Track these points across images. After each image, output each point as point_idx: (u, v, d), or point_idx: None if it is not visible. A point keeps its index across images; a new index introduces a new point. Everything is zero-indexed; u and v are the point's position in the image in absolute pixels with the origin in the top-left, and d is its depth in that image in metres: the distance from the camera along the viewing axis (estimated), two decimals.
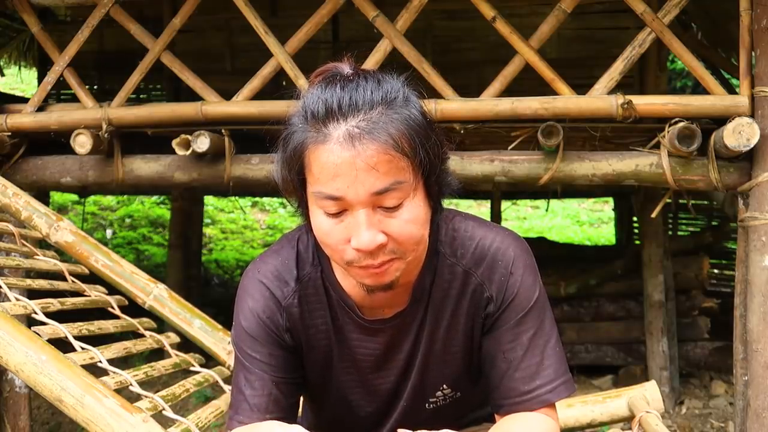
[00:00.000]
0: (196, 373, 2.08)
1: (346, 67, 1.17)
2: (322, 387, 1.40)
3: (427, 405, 1.39)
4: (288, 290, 1.30)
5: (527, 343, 1.27)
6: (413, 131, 1.10)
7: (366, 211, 1.09)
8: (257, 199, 11.65)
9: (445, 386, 1.37)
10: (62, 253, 2.46)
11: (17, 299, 1.86)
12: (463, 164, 3.07)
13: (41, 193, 5.04)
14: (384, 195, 1.08)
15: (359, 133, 1.06)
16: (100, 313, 2.21)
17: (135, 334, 2.21)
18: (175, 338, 2.26)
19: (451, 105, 2.99)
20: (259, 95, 3.20)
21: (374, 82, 1.12)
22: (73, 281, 2.26)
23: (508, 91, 3.04)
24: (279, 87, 5.53)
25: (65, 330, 1.80)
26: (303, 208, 1.20)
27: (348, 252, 1.12)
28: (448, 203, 1.27)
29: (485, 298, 1.28)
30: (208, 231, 10.59)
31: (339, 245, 1.13)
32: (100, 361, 1.78)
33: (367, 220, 1.09)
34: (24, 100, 4.41)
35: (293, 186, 1.17)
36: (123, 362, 1.89)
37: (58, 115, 3.33)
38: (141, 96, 6.69)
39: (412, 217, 1.12)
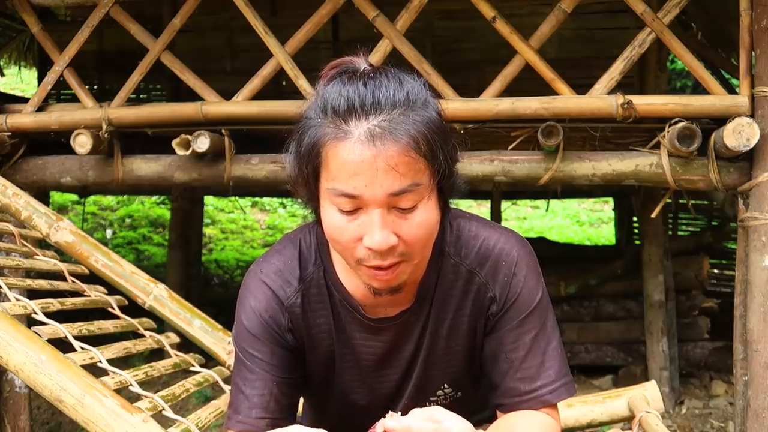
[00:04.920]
0: (196, 373, 2.08)
1: (362, 63, 1.16)
2: (324, 386, 1.40)
3: (427, 404, 1.39)
4: (291, 290, 1.30)
5: (529, 343, 1.27)
6: (434, 134, 1.10)
7: (381, 211, 1.09)
8: (257, 199, 11.65)
9: (446, 385, 1.37)
10: (62, 253, 2.46)
11: (17, 299, 1.86)
12: (463, 164, 3.06)
13: (41, 193, 5.02)
14: (400, 196, 1.08)
15: (381, 132, 1.06)
16: (100, 313, 2.21)
17: (135, 334, 2.20)
18: (175, 338, 2.26)
19: (452, 105, 2.99)
20: (259, 95, 3.20)
21: (396, 81, 1.11)
22: (73, 281, 2.25)
23: (508, 91, 3.04)
24: (279, 87, 5.54)
25: (65, 330, 1.80)
26: (314, 203, 1.18)
27: (359, 249, 1.12)
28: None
29: (488, 298, 1.28)
30: (208, 231, 10.58)
31: (350, 243, 1.12)
32: (100, 361, 1.78)
33: (381, 221, 1.09)
34: (24, 100, 4.40)
35: (306, 180, 1.15)
36: (123, 362, 1.88)
37: (58, 115, 3.33)
38: (141, 96, 6.69)
39: (423, 220, 1.12)
